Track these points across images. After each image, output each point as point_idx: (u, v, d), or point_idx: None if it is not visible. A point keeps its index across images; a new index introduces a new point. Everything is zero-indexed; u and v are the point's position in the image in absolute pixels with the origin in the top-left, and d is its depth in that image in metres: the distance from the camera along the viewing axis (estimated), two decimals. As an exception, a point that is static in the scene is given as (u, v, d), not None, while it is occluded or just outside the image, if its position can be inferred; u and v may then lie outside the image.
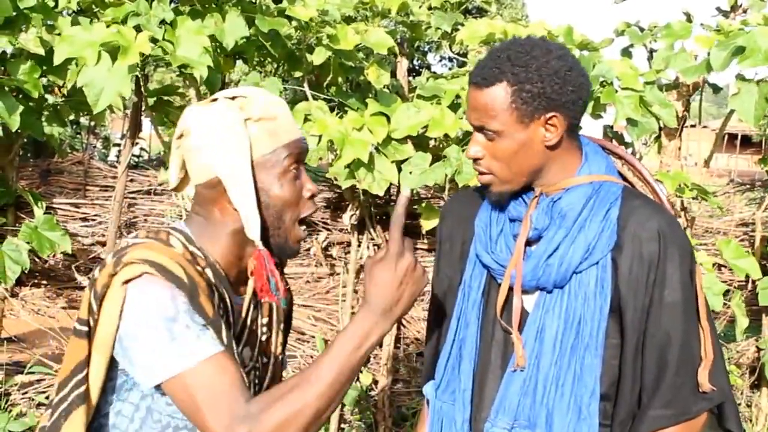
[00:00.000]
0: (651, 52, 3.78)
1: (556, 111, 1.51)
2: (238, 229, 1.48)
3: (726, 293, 3.51)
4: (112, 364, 1.42)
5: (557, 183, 1.57)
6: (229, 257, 1.51)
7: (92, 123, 5.11)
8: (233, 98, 1.49)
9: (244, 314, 1.56)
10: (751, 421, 4.00)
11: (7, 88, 3.09)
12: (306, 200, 1.51)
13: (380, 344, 3.83)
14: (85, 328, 1.42)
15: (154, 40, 2.98)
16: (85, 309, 1.43)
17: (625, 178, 1.69)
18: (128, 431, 1.46)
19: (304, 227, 1.52)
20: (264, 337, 1.62)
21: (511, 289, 1.59)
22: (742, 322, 3.55)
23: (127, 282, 1.37)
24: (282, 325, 1.69)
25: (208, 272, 1.46)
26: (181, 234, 1.48)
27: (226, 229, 1.49)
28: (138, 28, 2.99)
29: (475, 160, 1.58)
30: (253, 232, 1.44)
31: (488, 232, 1.64)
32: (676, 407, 1.52)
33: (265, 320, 1.62)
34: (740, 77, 3.24)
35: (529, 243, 1.59)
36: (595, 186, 1.57)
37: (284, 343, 1.72)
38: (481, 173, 1.59)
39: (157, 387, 1.38)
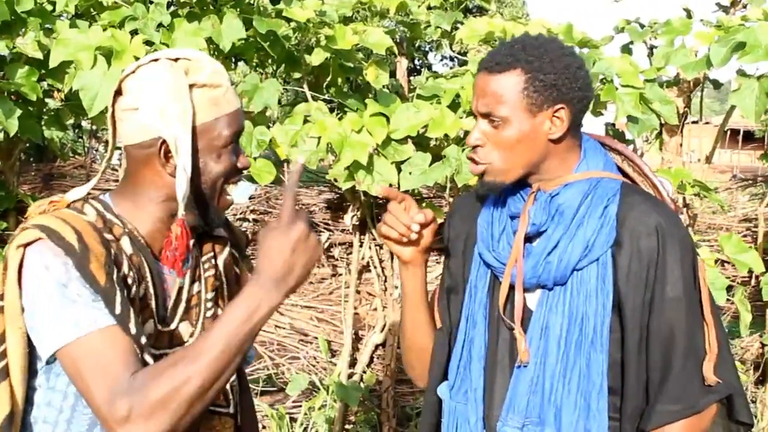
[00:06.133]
0: (651, 48, 3.77)
1: (565, 104, 1.52)
2: (169, 195, 1.44)
3: (729, 289, 3.49)
4: (32, 343, 1.38)
5: (555, 179, 1.57)
6: (157, 225, 1.47)
7: (94, 126, 5.10)
8: (176, 59, 1.44)
9: (177, 288, 1.52)
10: (755, 417, 3.98)
11: (5, 93, 3.10)
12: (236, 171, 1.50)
13: (383, 344, 3.84)
14: (1, 303, 1.39)
15: (150, 44, 2.97)
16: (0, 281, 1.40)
17: (626, 174, 1.69)
18: (59, 422, 1.41)
19: (230, 196, 1.51)
20: (209, 313, 1.57)
21: (512, 287, 1.58)
22: (746, 317, 3.54)
23: (23, 246, 1.34)
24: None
25: (125, 241, 1.42)
26: (99, 203, 1.46)
27: (154, 196, 1.46)
28: (135, 32, 2.99)
29: (474, 148, 1.57)
30: (182, 199, 1.42)
31: (490, 230, 1.64)
32: (684, 402, 1.52)
33: (210, 294, 1.57)
34: (741, 73, 3.23)
35: (529, 240, 1.59)
36: (592, 182, 1.56)
37: None
38: (475, 162, 1.58)
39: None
